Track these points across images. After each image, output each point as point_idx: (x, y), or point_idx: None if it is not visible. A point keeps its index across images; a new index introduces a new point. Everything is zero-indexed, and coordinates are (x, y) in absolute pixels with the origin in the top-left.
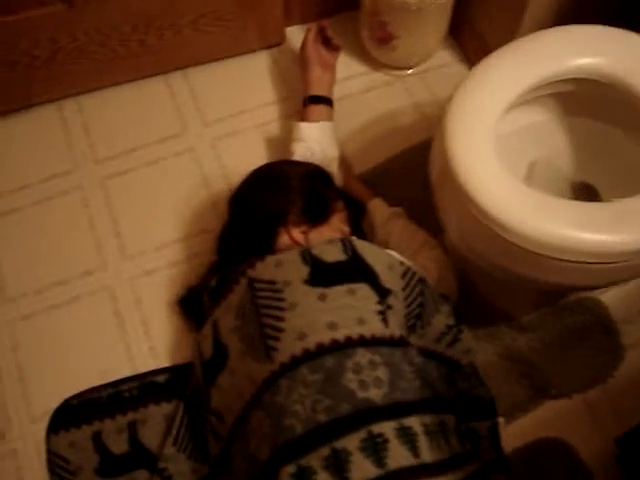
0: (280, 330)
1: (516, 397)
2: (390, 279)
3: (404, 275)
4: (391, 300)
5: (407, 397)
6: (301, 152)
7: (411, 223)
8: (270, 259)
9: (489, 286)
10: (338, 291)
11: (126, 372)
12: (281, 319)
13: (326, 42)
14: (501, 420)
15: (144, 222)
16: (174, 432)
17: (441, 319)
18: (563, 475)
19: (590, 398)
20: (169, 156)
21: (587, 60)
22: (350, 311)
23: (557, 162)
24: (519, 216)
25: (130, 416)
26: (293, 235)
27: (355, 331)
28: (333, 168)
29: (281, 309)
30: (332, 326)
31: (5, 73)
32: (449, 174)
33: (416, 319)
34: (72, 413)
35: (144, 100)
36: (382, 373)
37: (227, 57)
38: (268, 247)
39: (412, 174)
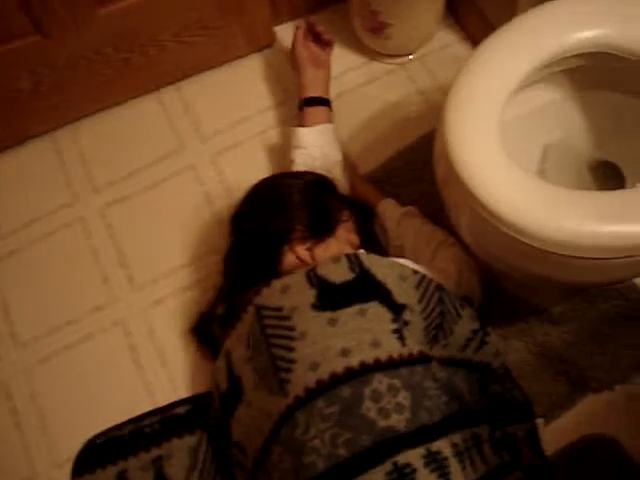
0: (291, 361)
1: (554, 395)
2: (404, 292)
3: (419, 285)
4: (407, 315)
5: (433, 418)
6: (301, 160)
7: (426, 222)
8: (276, 283)
9: (513, 279)
10: (348, 313)
11: (147, 407)
12: (291, 349)
13: (317, 39)
14: (539, 421)
15: (150, 249)
16: (199, 465)
17: (465, 325)
18: (611, 474)
19: (633, 388)
20: (169, 176)
21: (594, 32)
22: (363, 334)
23: (573, 143)
24: (532, 214)
25: (154, 452)
26: (298, 253)
27: (370, 355)
28: (337, 173)
29: (291, 338)
30: (345, 352)
31: None
32: (451, 171)
33: (437, 329)
34: (96, 454)
35: (138, 120)
36: (403, 397)
37: (217, 65)
38: (274, 268)
39: (421, 168)
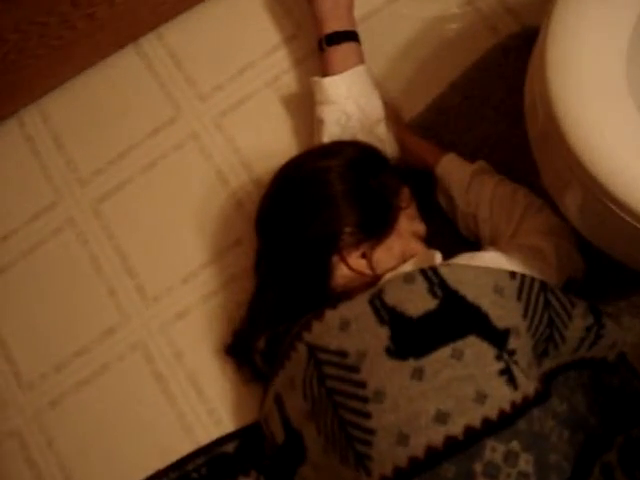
0: (370, 432)
1: None
2: (504, 311)
3: (520, 293)
4: (512, 343)
5: (563, 475)
6: (333, 118)
7: (502, 180)
8: (331, 316)
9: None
10: (438, 360)
11: (187, 447)
12: (367, 415)
13: None
14: None
15: (158, 249)
16: None
17: (577, 325)
18: None
19: None
20: (168, 152)
21: None
22: (462, 386)
23: None
24: None
25: None
26: (352, 264)
27: (475, 416)
28: (380, 132)
29: (364, 399)
30: (442, 417)
31: None
32: (557, 138)
33: (547, 342)
34: None
35: (117, 82)
36: (525, 462)
37: None
38: (322, 286)
39: (483, 103)
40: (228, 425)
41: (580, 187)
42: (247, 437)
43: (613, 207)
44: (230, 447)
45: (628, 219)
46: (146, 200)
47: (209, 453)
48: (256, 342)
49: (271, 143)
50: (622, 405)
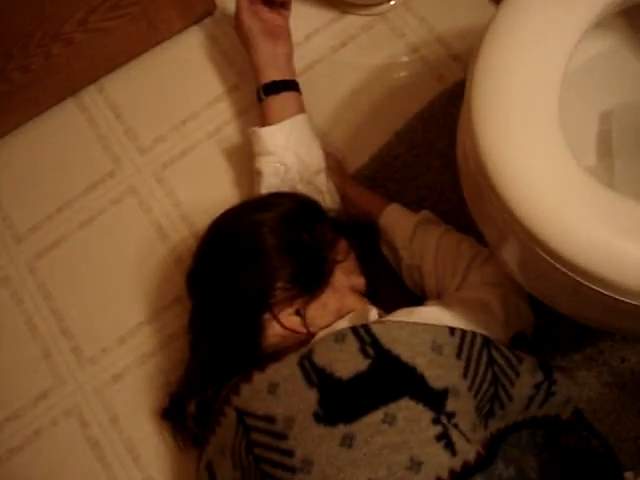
0: None
1: None
2: (442, 371)
3: (460, 350)
4: (451, 405)
5: None
6: (271, 170)
7: (447, 231)
8: (259, 379)
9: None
10: (369, 425)
11: None
12: None
13: (268, 0)
14: (628, 475)
15: (96, 308)
16: None
17: (525, 382)
18: None
19: None
20: (106, 206)
21: None
22: (394, 453)
23: None
24: (623, 260)
25: None
26: (285, 322)
27: None
28: (320, 182)
29: (291, 469)
30: None
31: None
32: (489, 190)
33: (492, 401)
34: None
35: (56, 136)
36: None
37: (146, 50)
38: (253, 345)
39: (429, 153)
40: None
41: (516, 239)
42: None
43: (549, 259)
44: None
45: (565, 271)
46: (83, 257)
47: None
48: (187, 406)
49: (212, 196)
50: (579, 466)
